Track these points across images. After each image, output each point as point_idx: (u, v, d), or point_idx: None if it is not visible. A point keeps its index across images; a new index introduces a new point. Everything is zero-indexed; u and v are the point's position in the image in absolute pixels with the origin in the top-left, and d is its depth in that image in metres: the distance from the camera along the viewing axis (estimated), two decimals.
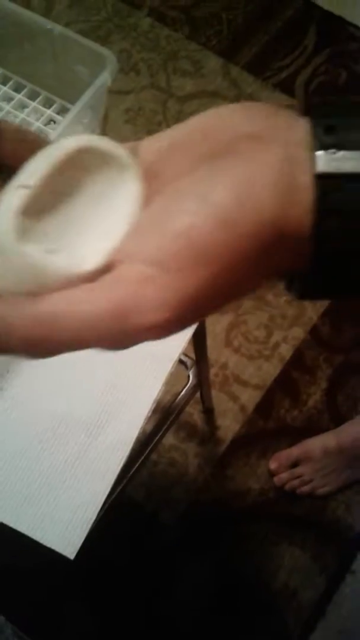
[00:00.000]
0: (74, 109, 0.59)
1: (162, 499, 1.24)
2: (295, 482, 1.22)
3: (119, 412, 0.62)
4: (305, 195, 0.20)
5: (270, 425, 1.32)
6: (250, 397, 1.33)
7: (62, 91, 0.71)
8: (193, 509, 1.24)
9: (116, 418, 0.62)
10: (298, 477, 1.22)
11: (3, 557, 0.88)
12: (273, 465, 1.25)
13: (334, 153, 0.20)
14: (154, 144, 0.24)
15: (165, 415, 0.78)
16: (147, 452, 0.69)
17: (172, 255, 0.20)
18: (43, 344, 0.20)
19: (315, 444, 1.24)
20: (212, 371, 1.31)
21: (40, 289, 0.21)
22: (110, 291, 0.20)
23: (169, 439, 1.27)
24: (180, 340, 0.66)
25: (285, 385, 1.35)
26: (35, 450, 0.60)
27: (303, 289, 0.23)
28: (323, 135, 0.21)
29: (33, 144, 0.24)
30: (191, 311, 0.21)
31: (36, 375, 0.63)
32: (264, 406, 1.33)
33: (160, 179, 0.23)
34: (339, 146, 0.20)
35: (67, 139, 0.23)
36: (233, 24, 1.78)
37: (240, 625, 1.17)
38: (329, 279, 0.22)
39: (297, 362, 1.38)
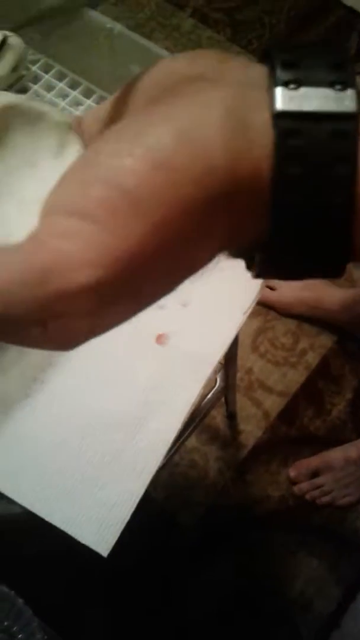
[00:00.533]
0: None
1: (182, 501, 1.24)
2: (316, 492, 1.21)
3: (157, 413, 0.62)
4: (261, 137, 0.17)
5: (292, 433, 1.32)
6: (274, 404, 1.33)
7: (116, 90, 0.72)
8: (212, 513, 1.24)
9: (154, 418, 0.62)
10: (318, 487, 1.21)
11: (31, 549, 0.89)
12: (293, 473, 1.25)
13: (295, 89, 0.17)
14: (96, 111, 0.22)
15: (190, 417, 0.78)
16: (170, 452, 0.69)
17: (99, 203, 0.16)
18: None
19: (337, 455, 1.24)
20: (237, 375, 1.31)
21: None
22: (27, 251, 0.17)
23: (191, 441, 1.27)
24: (221, 344, 0.65)
25: (310, 393, 1.34)
26: (73, 445, 0.60)
27: (260, 262, 0.19)
28: (282, 71, 0.17)
29: None
30: (126, 274, 0.17)
31: (76, 370, 0.64)
32: (288, 413, 1.32)
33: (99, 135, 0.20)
34: (300, 82, 0.17)
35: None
36: (275, 28, 1.77)
37: (254, 632, 1.16)
38: (288, 246, 0.18)
39: (323, 371, 1.37)
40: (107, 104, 0.22)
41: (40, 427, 0.61)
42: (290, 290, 1.33)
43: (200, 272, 0.20)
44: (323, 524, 1.23)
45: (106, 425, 0.61)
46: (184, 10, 1.79)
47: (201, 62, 0.19)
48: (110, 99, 0.22)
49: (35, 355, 0.64)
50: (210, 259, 0.19)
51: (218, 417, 1.31)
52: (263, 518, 1.25)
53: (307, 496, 1.22)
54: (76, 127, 0.22)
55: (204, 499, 1.25)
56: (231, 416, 1.30)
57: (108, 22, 0.66)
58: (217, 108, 0.17)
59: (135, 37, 0.65)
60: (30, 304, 0.17)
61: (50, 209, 0.18)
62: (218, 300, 0.67)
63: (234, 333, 0.66)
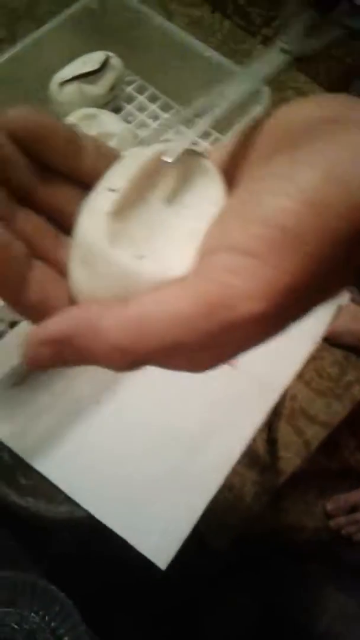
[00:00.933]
0: (225, 140, 0.62)
1: (215, 522, 1.23)
2: (352, 528, 1.20)
3: (223, 433, 0.63)
4: None
5: (332, 465, 1.31)
6: (315, 434, 1.32)
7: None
8: (244, 537, 1.23)
9: (219, 438, 0.63)
10: (356, 522, 1.20)
11: (79, 549, 0.90)
12: (330, 506, 1.24)
13: None
14: (221, 148, 0.23)
15: None
16: None
17: (262, 241, 0.18)
18: (133, 350, 0.18)
19: None
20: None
21: (128, 295, 0.20)
22: (197, 287, 0.18)
23: None
24: (289, 372, 0.66)
25: (353, 426, 1.33)
26: (138, 457, 0.62)
27: None
28: None
29: (112, 156, 0.23)
30: (288, 304, 0.18)
31: (147, 383, 0.65)
32: (329, 445, 1.32)
33: (234, 176, 0.22)
34: None
35: (148, 147, 0.23)
36: (344, 62, 1.79)
37: None
38: None
39: None
40: (229, 145, 0.23)
41: (108, 435, 0.63)
42: (341, 321, 1.33)
43: None
44: (356, 561, 1.22)
45: (172, 440, 0.63)
46: (254, 37, 1.82)
47: (326, 105, 0.21)
48: (231, 141, 0.24)
49: None
50: (347, 283, 0.20)
51: (259, 441, 1.31)
52: (295, 548, 1.24)
53: (343, 531, 1.20)
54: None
55: (238, 522, 1.25)
56: (272, 442, 1.29)
57: (207, 51, 0.68)
58: (355, 150, 0.19)
59: (233, 67, 0.67)
60: (201, 333, 0.18)
61: (213, 247, 0.19)
62: None
63: (303, 360, 0.67)
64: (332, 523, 1.22)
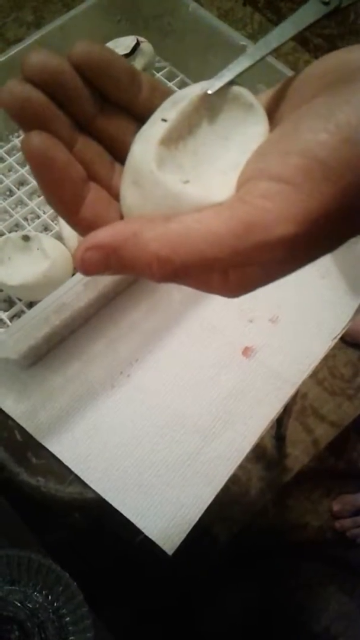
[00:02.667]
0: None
1: (219, 515, 1.24)
2: (358, 531, 1.19)
3: (236, 423, 0.63)
4: None
5: (340, 466, 1.30)
6: (324, 433, 1.32)
7: None
8: (247, 531, 1.23)
9: (232, 428, 0.63)
10: None
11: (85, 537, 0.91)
12: (336, 507, 1.23)
13: None
14: (270, 92, 0.25)
15: None
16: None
17: (297, 170, 0.19)
18: (171, 261, 0.20)
19: None
20: None
21: (173, 215, 0.22)
22: (235, 208, 0.20)
23: None
24: (306, 366, 0.66)
25: None
26: (151, 441, 0.62)
27: None
28: None
29: (166, 93, 0.25)
30: (317, 230, 0.20)
31: (162, 370, 0.65)
32: (337, 445, 1.31)
33: (279, 116, 0.24)
34: None
35: (199, 83, 0.25)
36: None
37: None
38: None
39: None
40: (278, 86, 0.25)
41: (121, 419, 0.63)
42: (359, 319, 1.32)
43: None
44: (359, 562, 1.21)
45: (184, 427, 0.63)
46: None
47: None
48: (280, 83, 0.25)
49: (123, 350, 0.66)
50: None
51: (266, 436, 1.30)
52: (298, 545, 1.24)
53: (348, 533, 1.20)
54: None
55: (241, 515, 1.25)
56: (280, 438, 1.29)
57: (242, 40, 0.67)
58: None
59: (270, 58, 0.66)
60: (234, 252, 0.20)
61: (252, 174, 0.21)
62: (308, 320, 0.68)
63: (320, 357, 0.66)
64: (337, 524, 1.22)
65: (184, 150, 0.24)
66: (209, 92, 0.24)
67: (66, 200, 0.23)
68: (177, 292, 0.69)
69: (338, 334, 0.67)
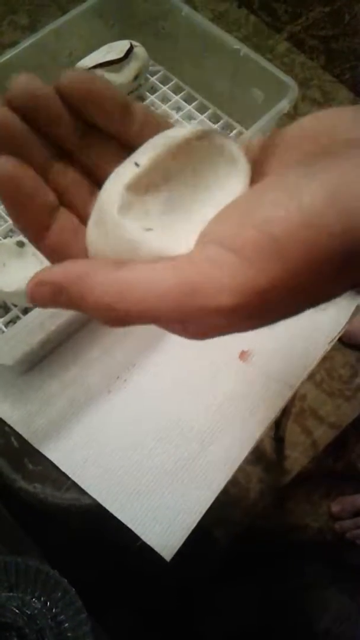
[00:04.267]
0: (249, 132, 0.61)
1: (218, 517, 1.23)
2: (358, 532, 1.19)
3: (234, 427, 0.63)
4: None
5: (339, 467, 1.30)
6: (323, 434, 1.32)
7: (230, 109, 0.73)
8: (247, 534, 1.23)
9: (229, 433, 0.63)
10: None
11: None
12: (336, 508, 1.23)
13: None
14: (261, 141, 0.25)
15: None
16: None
17: (249, 243, 0.19)
18: (114, 309, 0.21)
19: None
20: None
21: (132, 260, 0.22)
22: (182, 268, 0.20)
23: None
24: (303, 369, 0.66)
25: None
26: (148, 446, 0.62)
27: None
28: None
29: (159, 126, 0.25)
30: (259, 306, 0.20)
31: (159, 374, 0.65)
32: (336, 446, 1.31)
33: (259, 173, 0.24)
34: None
35: (185, 127, 0.24)
36: None
37: None
38: None
39: None
40: (269, 136, 0.25)
41: (117, 424, 0.63)
42: (358, 320, 1.32)
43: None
44: (359, 564, 1.21)
45: (181, 432, 0.62)
46: (280, 34, 1.81)
47: (355, 126, 0.22)
48: (260, 139, 0.25)
49: (120, 355, 0.66)
50: (334, 297, 0.21)
51: (265, 439, 1.30)
52: (298, 547, 1.24)
53: (348, 535, 1.20)
54: (243, 147, 0.25)
55: (241, 518, 1.24)
56: (279, 440, 1.29)
57: (235, 43, 0.67)
58: None
59: (262, 61, 0.66)
60: (176, 310, 0.20)
61: (208, 237, 0.21)
62: (305, 323, 0.68)
63: (317, 359, 0.66)
64: (336, 525, 1.21)
65: (155, 197, 0.23)
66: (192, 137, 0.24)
67: (32, 225, 0.24)
68: None
69: (335, 337, 0.67)
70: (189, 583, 1.18)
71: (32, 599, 0.64)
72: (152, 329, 0.66)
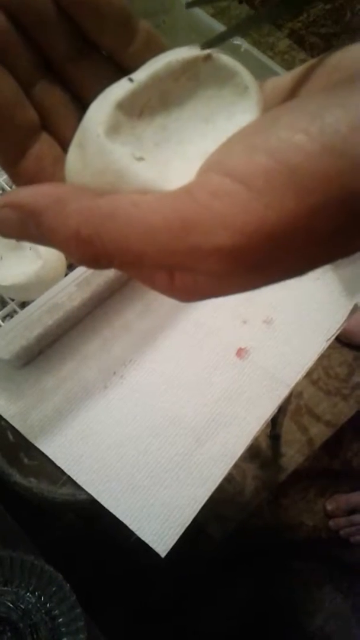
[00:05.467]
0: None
1: (213, 513, 1.24)
2: (352, 530, 1.19)
3: (230, 425, 0.63)
4: None
5: (335, 465, 1.30)
6: (319, 432, 1.32)
7: None
8: (242, 531, 1.23)
9: (225, 429, 0.63)
10: (355, 524, 1.19)
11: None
12: (331, 506, 1.23)
13: None
14: (276, 80, 0.22)
15: None
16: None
17: (260, 172, 0.16)
18: (91, 244, 0.17)
19: None
20: None
21: (112, 192, 0.18)
22: (178, 201, 0.17)
23: None
24: (300, 367, 0.66)
25: (358, 428, 1.33)
26: (144, 442, 0.61)
27: None
28: None
29: (162, 49, 0.21)
30: (264, 251, 0.16)
31: (156, 370, 0.65)
32: (332, 445, 1.31)
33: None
34: None
35: (190, 47, 0.21)
36: None
37: None
38: None
39: None
40: (288, 76, 0.21)
41: (114, 420, 0.62)
42: (356, 320, 1.32)
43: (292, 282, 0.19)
44: (354, 563, 1.21)
45: (178, 428, 0.62)
46: (281, 31, 1.80)
47: None
48: (292, 71, 0.22)
49: (117, 351, 0.66)
50: (346, 254, 0.18)
51: (261, 436, 1.30)
52: (293, 545, 1.24)
53: (342, 532, 1.20)
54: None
55: (236, 515, 1.25)
56: (275, 438, 1.29)
57: (236, 40, 0.67)
58: None
59: (263, 57, 0.66)
60: (165, 250, 0.17)
61: (210, 166, 0.18)
62: (302, 322, 0.68)
63: (314, 358, 0.66)
64: (331, 523, 1.22)
65: (149, 122, 0.20)
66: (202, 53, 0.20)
67: (6, 145, 0.20)
68: None
69: (332, 335, 0.67)
70: (184, 579, 1.18)
71: (26, 593, 0.64)
72: (149, 325, 0.65)
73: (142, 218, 0.17)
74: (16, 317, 0.55)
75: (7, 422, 0.62)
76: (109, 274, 0.63)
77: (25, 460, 0.62)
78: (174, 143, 0.20)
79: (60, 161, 0.21)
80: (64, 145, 0.21)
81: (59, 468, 0.60)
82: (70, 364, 0.65)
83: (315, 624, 1.17)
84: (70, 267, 0.64)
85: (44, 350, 0.65)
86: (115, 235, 0.17)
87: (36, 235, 0.19)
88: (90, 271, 0.57)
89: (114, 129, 0.19)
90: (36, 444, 0.61)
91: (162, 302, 0.68)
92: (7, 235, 0.19)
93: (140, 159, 0.19)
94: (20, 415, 0.62)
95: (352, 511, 1.21)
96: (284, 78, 0.22)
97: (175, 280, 0.18)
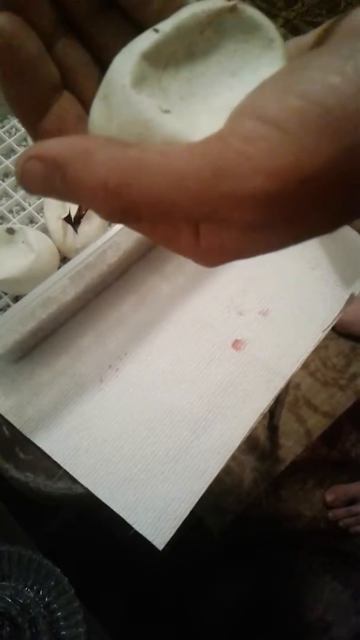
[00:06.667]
0: None
1: (212, 505, 1.24)
2: (351, 520, 1.20)
3: (226, 417, 0.62)
4: None
5: (333, 456, 1.30)
6: (317, 423, 1.32)
7: None
8: (241, 522, 1.23)
9: (222, 422, 0.62)
10: (354, 515, 1.20)
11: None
12: (329, 497, 1.23)
13: None
14: (299, 39, 0.21)
15: None
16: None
17: (294, 114, 0.16)
18: (119, 195, 0.17)
19: None
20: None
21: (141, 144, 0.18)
22: (210, 146, 0.16)
23: None
24: (296, 358, 0.65)
25: (356, 418, 1.33)
26: (140, 435, 0.61)
27: None
28: None
29: (182, 5, 0.21)
30: (304, 194, 0.16)
31: (151, 363, 0.64)
32: (330, 435, 1.31)
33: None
34: None
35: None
36: None
37: None
38: None
39: None
40: (310, 35, 0.21)
41: (109, 413, 0.62)
42: (352, 310, 1.32)
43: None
44: (353, 552, 1.22)
45: (174, 421, 0.62)
46: (275, 20, 1.79)
47: None
48: (315, 30, 0.21)
49: (112, 344, 0.65)
50: None
51: (259, 427, 1.30)
52: (292, 536, 1.24)
53: (341, 523, 1.20)
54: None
55: (235, 507, 1.25)
56: (273, 429, 1.29)
57: None
58: None
59: None
60: (196, 199, 0.16)
61: (242, 111, 0.17)
62: (298, 313, 0.67)
63: (310, 349, 0.66)
64: (330, 514, 1.22)
65: (174, 75, 0.20)
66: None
67: (27, 101, 0.20)
68: (165, 285, 0.68)
69: (329, 326, 0.66)
70: (183, 571, 1.19)
71: (24, 588, 0.64)
72: (144, 318, 0.65)
73: (172, 166, 0.16)
74: (9, 311, 0.55)
75: (2, 416, 0.62)
76: (103, 266, 0.62)
77: (21, 455, 0.61)
78: (200, 96, 0.20)
79: (82, 120, 0.21)
80: (86, 106, 0.21)
81: (55, 462, 0.60)
82: (65, 357, 0.64)
83: (314, 614, 1.18)
84: (63, 261, 0.64)
85: (38, 344, 0.65)
86: (145, 185, 0.17)
87: (62, 189, 0.18)
88: (83, 264, 0.57)
89: (139, 81, 0.19)
90: (32, 439, 0.61)
91: (156, 295, 0.68)
92: (32, 190, 0.19)
93: (167, 111, 0.19)
94: (16, 410, 0.62)
95: (351, 502, 1.21)
96: (307, 37, 0.21)
97: (201, 240, 0.18)
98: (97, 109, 0.20)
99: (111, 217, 0.18)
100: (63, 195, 0.18)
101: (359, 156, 0.16)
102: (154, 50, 0.19)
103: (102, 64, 0.21)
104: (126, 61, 0.19)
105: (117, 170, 0.17)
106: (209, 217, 0.17)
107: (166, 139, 0.18)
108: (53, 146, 0.18)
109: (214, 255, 0.18)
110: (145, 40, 0.19)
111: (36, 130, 0.21)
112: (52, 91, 0.20)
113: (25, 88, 0.20)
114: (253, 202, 0.16)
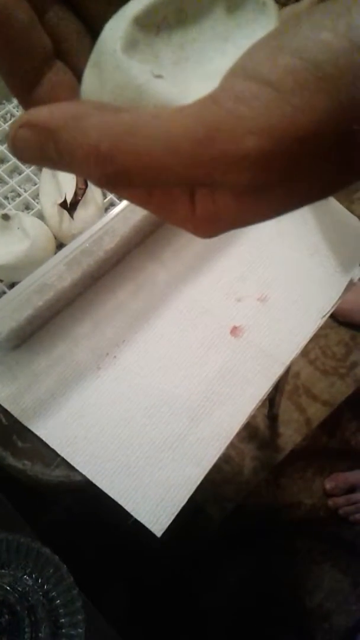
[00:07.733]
0: None
1: (212, 494, 1.24)
2: (351, 508, 1.20)
3: (224, 404, 0.62)
4: None
5: (332, 444, 1.30)
6: (317, 412, 1.32)
7: None
8: (241, 510, 1.24)
9: (220, 409, 0.62)
10: (354, 503, 1.20)
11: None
12: (329, 485, 1.23)
13: None
14: (294, 7, 0.21)
15: None
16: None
17: (287, 73, 0.15)
18: (112, 159, 0.17)
19: None
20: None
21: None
22: (202, 109, 0.16)
23: None
24: (295, 345, 0.65)
25: (356, 407, 1.33)
26: (138, 423, 0.61)
27: None
28: None
29: None
30: (300, 154, 0.16)
31: (149, 351, 0.64)
32: (330, 424, 1.31)
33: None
34: None
35: None
36: None
37: (265, 636, 1.16)
38: None
39: None
40: (306, 1, 0.21)
41: (107, 401, 0.62)
42: (351, 297, 1.31)
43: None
44: (353, 540, 1.22)
45: (172, 408, 0.62)
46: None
47: None
48: None
49: (109, 331, 0.65)
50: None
51: (259, 416, 1.30)
52: (292, 524, 1.24)
53: (341, 511, 1.20)
54: None
55: (235, 495, 1.25)
56: (273, 418, 1.29)
57: None
58: None
59: None
60: (189, 161, 0.16)
61: (234, 72, 0.17)
62: (297, 299, 0.67)
63: (309, 335, 0.65)
64: (330, 502, 1.22)
65: (167, 41, 0.20)
66: None
67: (19, 71, 0.20)
68: (163, 272, 0.68)
69: (327, 312, 0.66)
70: (184, 560, 1.19)
71: (23, 576, 0.64)
72: (142, 305, 0.64)
73: (163, 129, 0.16)
74: (4, 298, 0.54)
75: None
76: (99, 253, 0.61)
77: (19, 443, 0.61)
78: (193, 62, 0.20)
79: (75, 90, 0.20)
80: (78, 76, 0.21)
81: (52, 450, 0.60)
82: (62, 345, 0.64)
83: (314, 602, 1.18)
84: (59, 247, 0.63)
85: (35, 332, 0.64)
86: (137, 148, 0.16)
87: (54, 156, 0.18)
88: (79, 250, 0.56)
89: (131, 46, 0.19)
90: (29, 427, 0.61)
91: (154, 282, 0.67)
92: (25, 158, 0.18)
93: (159, 76, 0.19)
94: (13, 398, 0.62)
95: (350, 490, 1.21)
96: (302, 4, 0.21)
97: (197, 207, 0.18)
98: (89, 75, 0.19)
99: (104, 182, 0.17)
100: (56, 162, 0.18)
101: (354, 112, 0.15)
102: (145, 15, 0.19)
103: (95, 34, 0.21)
104: (117, 26, 0.19)
105: (108, 134, 0.17)
106: (202, 180, 0.17)
107: (159, 104, 0.18)
108: (44, 113, 0.18)
109: (210, 224, 0.18)
110: (137, 5, 0.19)
111: (28, 101, 0.20)
112: (44, 61, 0.20)
113: (17, 57, 0.19)
114: (247, 163, 0.16)
